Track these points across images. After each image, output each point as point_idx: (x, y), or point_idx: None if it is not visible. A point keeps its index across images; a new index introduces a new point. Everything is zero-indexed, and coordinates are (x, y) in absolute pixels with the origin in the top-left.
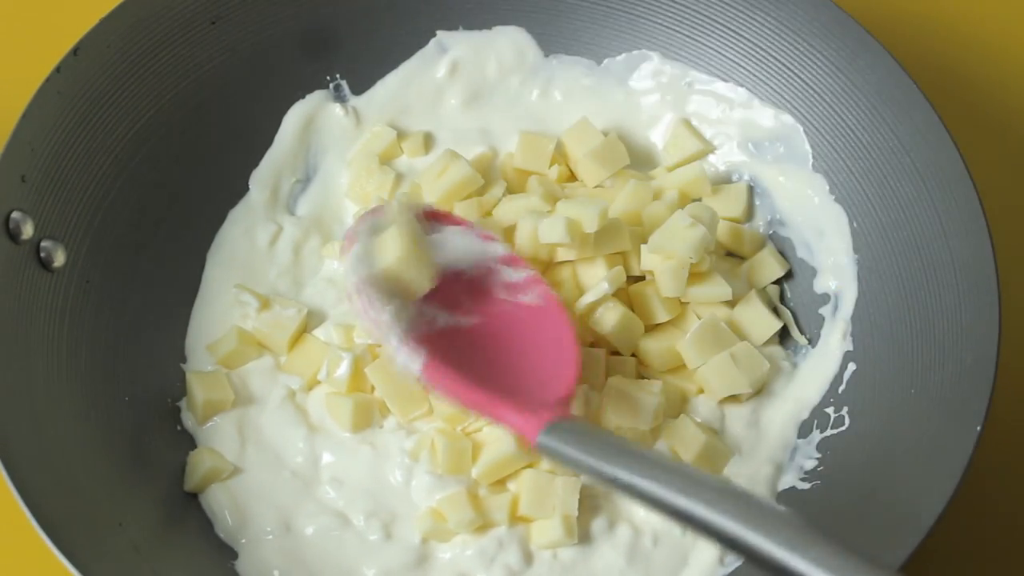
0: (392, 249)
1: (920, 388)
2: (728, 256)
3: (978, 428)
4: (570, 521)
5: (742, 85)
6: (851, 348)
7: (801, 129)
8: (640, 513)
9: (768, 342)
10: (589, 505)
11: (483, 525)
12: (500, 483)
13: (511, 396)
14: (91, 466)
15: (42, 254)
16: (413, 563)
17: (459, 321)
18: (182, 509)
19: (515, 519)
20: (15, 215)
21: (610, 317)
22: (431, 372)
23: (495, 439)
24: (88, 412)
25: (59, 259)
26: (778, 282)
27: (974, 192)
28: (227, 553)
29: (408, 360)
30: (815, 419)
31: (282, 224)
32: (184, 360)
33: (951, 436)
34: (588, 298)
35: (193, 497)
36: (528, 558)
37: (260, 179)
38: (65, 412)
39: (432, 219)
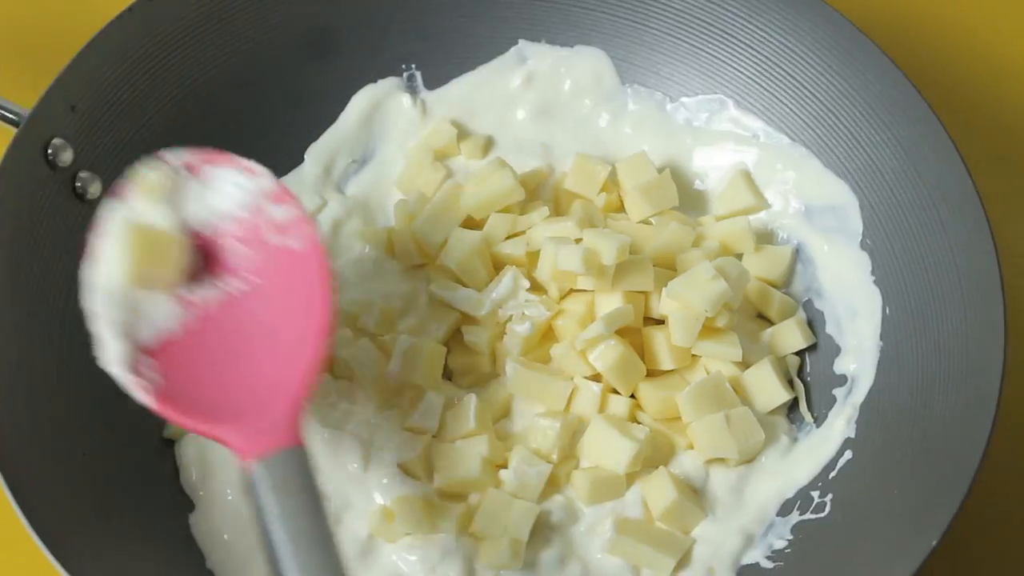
0: (117, 261)
1: (901, 490)
2: (758, 318)
3: (933, 543)
4: (518, 546)
5: (809, 147)
6: (852, 436)
7: (857, 203)
8: (596, 555)
9: (775, 412)
10: (544, 536)
11: (430, 531)
12: (460, 495)
13: (247, 404)
14: (71, 392)
15: (77, 183)
16: (356, 554)
17: (226, 287)
18: (156, 454)
19: (465, 533)
20: (56, 141)
21: (609, 356)
22: (161, 406)
23: (466, 457)
24: (88, 341)
25: (94, 191)
26: (802, 354)
27: (1001, 307)
28: (185, 505)
29: (139, 394)
30: (798, 499)
31: (328, 200)
32: None
33: (913, 544)
34: (586, 334)
35: (169, 445)
36: (470, 574)
37: (317, 153)
38: (66, 336)
39: (194, 168)
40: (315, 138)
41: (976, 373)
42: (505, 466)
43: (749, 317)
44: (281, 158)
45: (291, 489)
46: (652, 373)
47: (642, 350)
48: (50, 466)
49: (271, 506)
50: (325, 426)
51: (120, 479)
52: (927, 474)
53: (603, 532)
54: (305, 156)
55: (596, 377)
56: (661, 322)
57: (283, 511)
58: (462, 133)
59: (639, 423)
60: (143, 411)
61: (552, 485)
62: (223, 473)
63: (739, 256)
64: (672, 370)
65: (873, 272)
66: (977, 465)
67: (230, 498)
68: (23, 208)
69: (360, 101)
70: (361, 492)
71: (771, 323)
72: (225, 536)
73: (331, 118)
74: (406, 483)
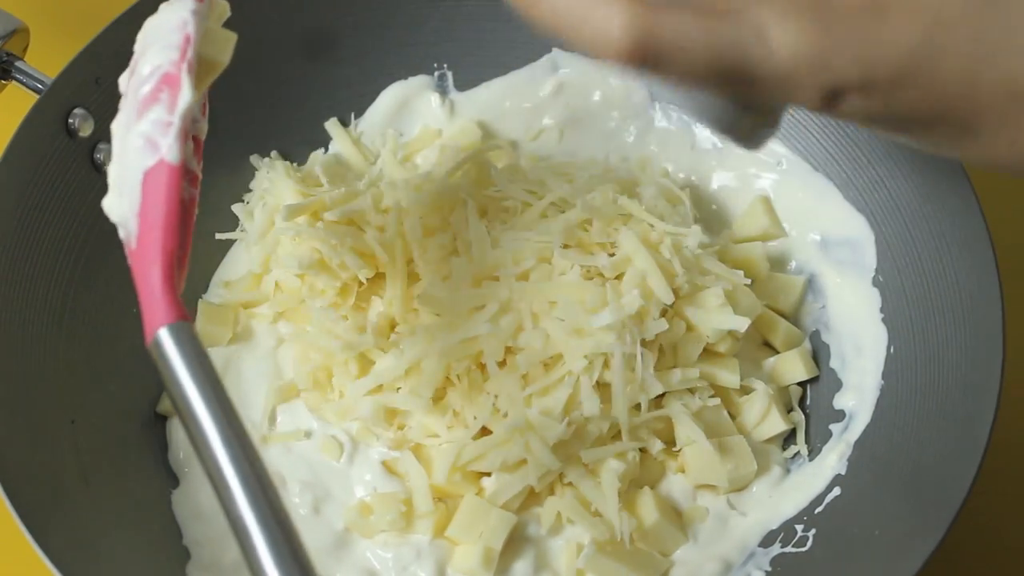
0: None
1: (883, 531)
2: (764, 345)
3: None
4: (491, 553)
5: (831, 179)
6: (843, 472)
7: (873, 239)
8: (564, 569)
9: (770, 441)
10: (519, 547)
11: (405, 529)
12: (438, 498)
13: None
14: (66, 359)
15: (97, 155)
16: (331, 547)
17: None
18: (144, 428)
19: (441, 536)
20: (78, 111)
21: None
22: (177, 172)
23: (444, 454)
24: (91, 312)
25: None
26: (804, 385)
27: (1000, 357)
28: (170, 481)
29: (173, 144)
30: (782, 532)
31: None
32: (205, 291)
33: None
34: None
35: (161, 420)
36: None
37: None
38: (68, 304)
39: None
40: (344, 124)
41: (969, 419)
42: (489, 473)
43: (755, 344)
44: (307, 147)
45: (198, 353)
46: None
47: None
48: (33, 429)
49: (182, 369)
50: (317, 417)
51: (106, 449)
52: (909, 518)
53: (580, 548)
54: (330, 147)
55: None
56: None
57: (193, 371)
58: (487, 136)
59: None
60: (139, 385)
61: (534, 497)
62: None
63: (751, 282)
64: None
65: (882, 310)
66: (955, 513)
67: None
68: (37, 172)
69: (389, 96)
70: (343, 485)
71: (776, 351)
72: (205, 515)
73: (359, 110)
74: (389, 480)
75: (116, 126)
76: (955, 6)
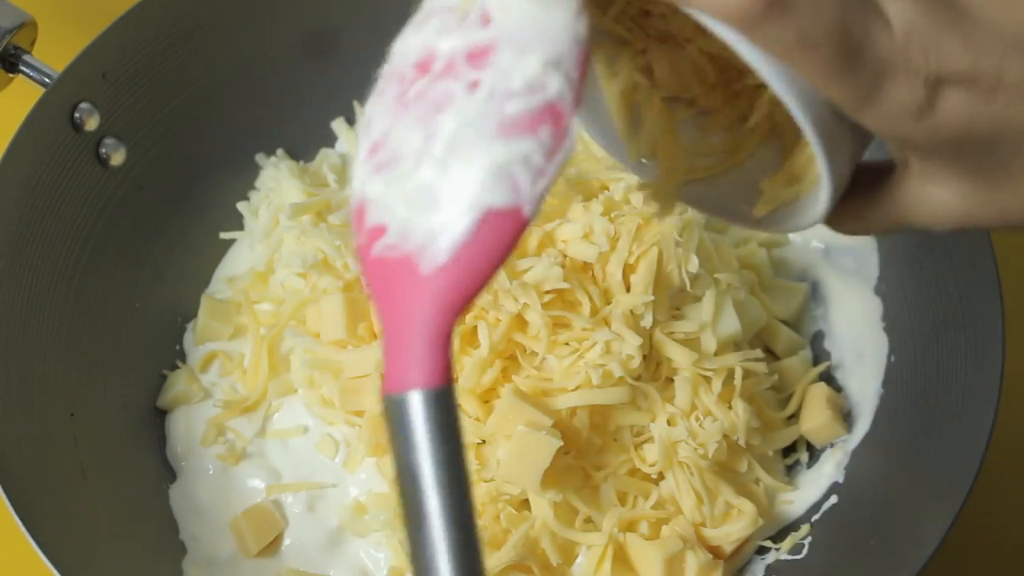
0: None
1: (878, 541)
2: (766, 352)
3: None
4: None
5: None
6: (840, 480)
7: (875, 247)
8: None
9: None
10: None
11: (398, 529)
12: None
13: None
14: (67, 352)
15: (102, 150)
16: (324, 544)
17: None
18: (143, 422)
19: None
20: (83, 105)
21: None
22: (525, 228)
23: None
24: (94, 305)
25: (117, 159)
26: None
27: (999, 368)
28: (168, 475)
29: (536, 200)
30: (779, 539)
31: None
32: (207, 286)
33: None
34: None
35: (161, 415)
36: None
37: (351, 138)
38: (71, 297)
39: None
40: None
41: (967, 432)
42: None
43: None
44: (313, 146)
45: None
46: None
47: None
48: (32, 422)
49: (425, 446)
50: (314, 414)
51: (105, 443)
52: (905, 528)
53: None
54: (337, 146)
55: None
56: None
57: (437, 453)
58: None
59: None
60: (139, 379)
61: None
62: (208, 447)
63: (752, 287)
64: None
65: (884, 318)
66: (949, 524)
67: (211, 472)
68: (42, 166)
69: None
70: (336, 481)
71: (777, 358)
72: (202, 510)
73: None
74: (383, 481)
75: (455, 105)
76: None
